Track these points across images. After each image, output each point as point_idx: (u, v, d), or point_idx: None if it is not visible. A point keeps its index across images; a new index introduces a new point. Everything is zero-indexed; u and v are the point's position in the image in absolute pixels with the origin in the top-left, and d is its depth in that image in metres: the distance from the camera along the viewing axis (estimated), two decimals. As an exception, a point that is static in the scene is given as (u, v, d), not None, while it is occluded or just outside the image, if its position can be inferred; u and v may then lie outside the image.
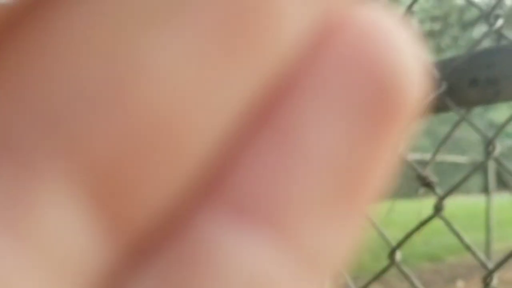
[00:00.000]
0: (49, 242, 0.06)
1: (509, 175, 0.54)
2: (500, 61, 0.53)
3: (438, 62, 0.59)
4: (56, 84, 0.06)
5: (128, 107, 0.06)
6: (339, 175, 0.08)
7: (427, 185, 0.58)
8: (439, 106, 0.59)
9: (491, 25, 0.53)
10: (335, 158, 0.07)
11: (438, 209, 0.57)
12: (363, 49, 0.07)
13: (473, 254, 0.53)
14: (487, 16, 0.53)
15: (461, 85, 0.56)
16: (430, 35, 7.02)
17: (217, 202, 0.07)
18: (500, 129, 0.53)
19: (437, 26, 7.27)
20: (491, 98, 0.54)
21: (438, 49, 6.94)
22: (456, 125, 0.57)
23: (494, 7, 0.54)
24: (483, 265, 0.52)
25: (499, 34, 0.53)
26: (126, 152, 0.07)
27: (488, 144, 0.52)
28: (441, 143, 0.60)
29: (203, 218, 0.07)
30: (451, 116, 0.60)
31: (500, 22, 0.53)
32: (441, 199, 0.57)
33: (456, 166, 7.05)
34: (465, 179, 0.56)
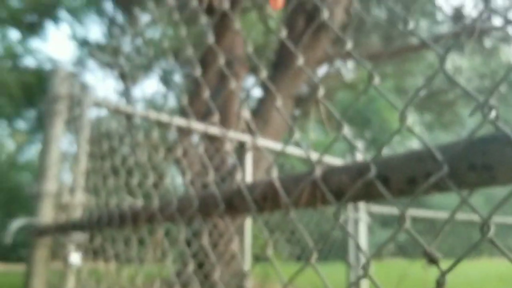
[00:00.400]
0: None
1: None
2: (494, 149, 0.58)
3: (440, 146, 0.64)
4: None
5: None
6: None
7: (432, 261, 0.62)
8: (441, 187, 0.64)
9: (485, 115, 0.58)
10: None
11: (440, 284, 0.60)
12: None
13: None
14: (481, 106, 0.58)
15: (461, 169, 0.61)
16: (478, 92, 6.93)
17: None
18: (495, 210, 0.57)
19: (485, 83, 7.17)
20: (487, 182, 0.59)
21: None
22: (457, 208, 0.61)
23: (488, 99, 0.59)
24: None
25: (493, 125, 0.57)
26: None
27: (483, 225, 0.56)
28: (447, 221, 0.64)
29: None
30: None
31: (493, 113, 0.58)
32: (444, 274, 0.60)
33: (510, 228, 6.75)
34: (463, 256, 0.59)
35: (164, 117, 2.42)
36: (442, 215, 5.88)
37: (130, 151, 2.08)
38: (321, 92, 0.84)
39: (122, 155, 2.10)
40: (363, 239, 4.25)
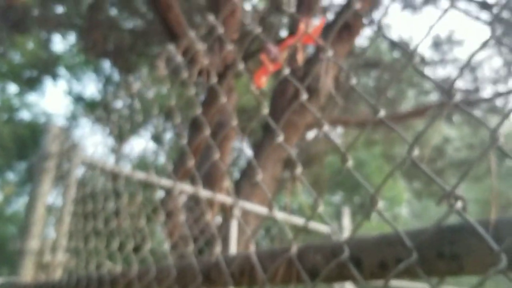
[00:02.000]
0: None
1: None
2: (462, 239, 0.59)
3: (409, 232, 0.65)
4: None
5: None
6: None
7: None
8: (411, 273, 0.64)
9: (451, 205, 0.59)
10: None
11: None
12: None
13: None
14: (448, 196, 0.60)
15: (430, 256, 0.62)
16: (467, 163, 7.02)
17: None
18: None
19: (474, 153, 7.26)
20: (456, 271, 0.59)
21: (476, 178, 6.88)
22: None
23: (453, 189, 0.60)
24: None
25: (460, 216, 0.59)
26: None
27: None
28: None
29: None
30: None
31: (459, 204, 0.59)
32: None
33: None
34: None
35: (150, 178, 2.42)
36: None
37: (114, 212, 2.07)
38: (299, 170, 0.86)
39: (105, 217, 2.09)
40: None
